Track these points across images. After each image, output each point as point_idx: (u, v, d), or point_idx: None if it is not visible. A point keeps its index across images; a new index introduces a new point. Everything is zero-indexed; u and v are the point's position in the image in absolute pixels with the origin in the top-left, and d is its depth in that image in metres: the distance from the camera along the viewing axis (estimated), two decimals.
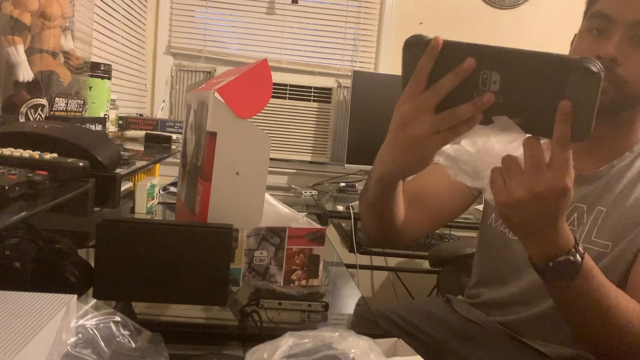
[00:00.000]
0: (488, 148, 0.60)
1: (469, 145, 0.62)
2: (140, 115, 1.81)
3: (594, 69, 0.52)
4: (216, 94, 0.72)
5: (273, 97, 2.25)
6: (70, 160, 0.61)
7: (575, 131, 0.55)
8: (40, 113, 0.89)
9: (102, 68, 1.24)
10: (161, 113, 2.23)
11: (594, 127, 0.56)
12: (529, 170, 0.59)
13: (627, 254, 0.82)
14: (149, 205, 1.29)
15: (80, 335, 0.51)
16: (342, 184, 2.24)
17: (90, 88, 1.21)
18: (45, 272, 0.65)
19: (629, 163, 0.87)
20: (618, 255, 0.83)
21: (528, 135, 0.58)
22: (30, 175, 0.53)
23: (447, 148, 0.64)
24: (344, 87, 2.40)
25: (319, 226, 0.92)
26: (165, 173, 1.93)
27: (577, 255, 0.66)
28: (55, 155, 0.62)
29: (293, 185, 2.29)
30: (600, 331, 0.74)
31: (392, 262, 2.33)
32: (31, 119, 0.87)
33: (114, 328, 0.55)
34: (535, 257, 0.68)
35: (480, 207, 1.16)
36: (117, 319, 0.55)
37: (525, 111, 0.56)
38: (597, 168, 0.89)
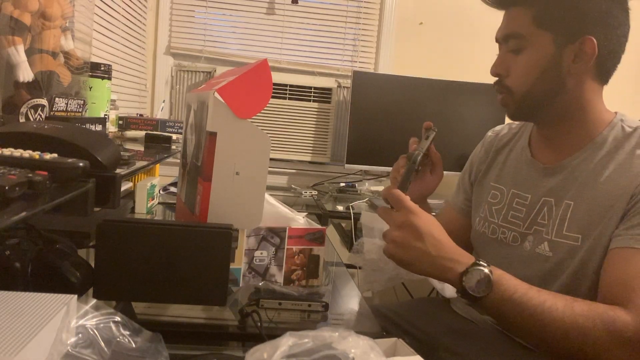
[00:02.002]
0: (378, 232, 0.84)
1: (371, 252, 0.88)
2: (140, 115, 1.81)
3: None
4: (216, 94, 0.72)
5: (273, 97, 2.25)
6: (70, 160, 0.61)
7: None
8: (40, 113, 0.89)
9: (102, 68, 1.24)
10: (161, 113, 2.23)
11: None
12: (389, 219, 0.81)
13: (598, 248, 0.84)
14: (149, 205, 1.29)
15: (80, 335, 0.51)
16: (342, 184, 2.24)
17: (91, 88, 1.21)
18: (45, 272, 0.65)
19: (590, 154, 0.89)
20: (590, 249, 0.84)
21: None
22: (30, 175, 0.53)
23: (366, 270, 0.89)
24: (344, 87, 2.40)
25: (319, 226, 0.92)
26: (165, 173, 1.93)
27: (482, 267, 0.76)
28: (55, 155, 0.62)
29: (293, 185, 2.29)
30: (538, 332, 0.76)
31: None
32: (31, 119, 0.87)
33: (114, 328, 0.55)
34: (452, 284, 0.78)
35: None
36: (117, 319, 0.55)
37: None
38: (559, 160, 0.93)
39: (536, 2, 0.87)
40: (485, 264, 0.77)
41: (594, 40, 0.85)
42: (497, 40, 0.95)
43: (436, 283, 0.83)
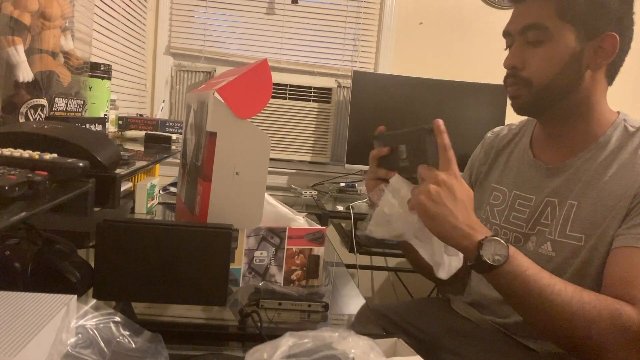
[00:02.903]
0: (403, 195, 0.84)
1: (387, 207, 0.86)
2: (140, 115, 1.81)
3: (426, 127, 0.80)
4: (216, 94, 0.72)
5: (273, 97, 2.25)
6: (70, 160, 0.61)
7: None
8: (40, 113, 0.89)
9: (102, 68, 1.24)
10: (161, 113, 2.23)
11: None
12: (430, 175, 0.79)
13: (600, 247, 0.84)
14: (149, 205, 1.29)
15: (80, 335, 0.51)
16: (342, 184, 2.24)
17: (90, 88, 1.21)
18: (45, 273, 0.65)
19: (593, 154, 0.90)
20: (592, 249, 0.85)
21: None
22: (30, 175, 0.53)
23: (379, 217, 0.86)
24: (344, 87, 2.40)
25: (319, 226, 0.92)
26: (165, 173, 1.93)
27: (500, 240, 0.77)
28: (55, 155, 0.62)
29: (293, 185, 2.29)
30: (545, 312, 0.76)
31: (392, 262, 2.33)
32: (31, 119, 0.87)
33: (114, 328, 0.55)
34: (467, 251, 0.78)
35: None
36: (117, 319, 0.55)
37: (418, 159, 0.82)
38: (563, 160, 0.93)
39: None
40: (503, 239, 0.78)
41: (617, 37, 0.85)
42: (508, 34, 0.93)
43: (434, 260, 0.82)
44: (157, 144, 1.37)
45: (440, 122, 0.78)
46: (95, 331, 0.52)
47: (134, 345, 0.55)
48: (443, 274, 0.82)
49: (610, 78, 0.91)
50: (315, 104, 2.35)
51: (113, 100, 1.43)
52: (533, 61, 0.88)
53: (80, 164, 0.61)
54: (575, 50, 0.86)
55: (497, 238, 0.77)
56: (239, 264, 0.84)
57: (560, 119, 0.93)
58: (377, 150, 0.90)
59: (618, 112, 0.92)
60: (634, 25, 0.89)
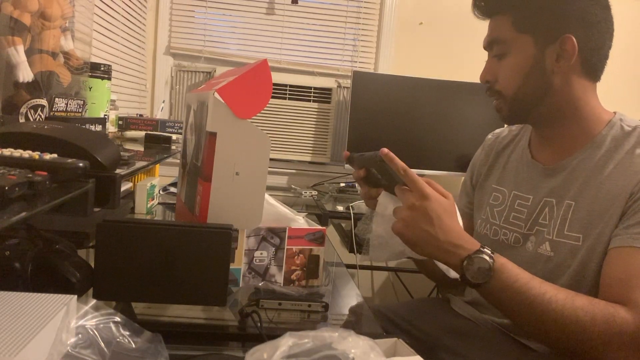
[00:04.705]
0: (389, 215, 0.84)
1: (380, 228, 0.88)
2: (140, 115, 1.81)
3: (375, 155, 0.81)
4: (216, 94, 0.72)
5: (273, 97, 2.25)
6: (70, 160, 0.61)
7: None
8: (40, 113, 0.89)
9: (102, 68, 1.24)
10: (161, 113, 2.23)
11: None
12: (403, 198, 0.81)
13: (598, 247, 0.84)
14: (149, 205, 1.29)
15: (80, 335, 0.51)
16: (342, 184, 2.24)
17: (90, 88, 1.21)
18: (45, 273, 0.65)
19: (589, 154, 0.90)
20: (590, 249, 0.84)
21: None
22: (30, 175, 0.53)
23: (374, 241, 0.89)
24: (344, 87, 2.40)
25: (318, 226, 0.92)
26: (165, 173, 1.93)
27: (485, 255, 0.77)
28: (55, 155, 0.62)
29: (293, 186, 2.29)
30: (537, 322, 0.76)
31: (392, 262, 2.33)
32: (31, 119, 0.87)
33: (114, 328, 0.55)
34: (454, 268, 0.79)
35: None
36: (117, 319, 0.55)
37: (390, 180, 0.83)
38: (559, 160, 0.93)
39: (514, 7, 0.90)
40: (489, 252, 0.78)
41: (573, 38, 0.86)
42: (484, 48, 0.97)
43: (442, 264, 0.83)
44: (157, 144, 1.37)
45: (386, 150, 0.80)
46: (95, 331, 0.52)
47: (134, 346, 0.55)
48: (453, 274, 0.83)
49: (591, 75, 0.90)
50: (315, 104, 2.35)
51: (113, 101, 1.43)
52: (501, 74, 0.93)
53: (80, 164, 0.61)
54: (536, 58, 0.89)
55: (480, 255, 0.77)
56: (239, 264, 0.84)
57: (547, 121, 0.93)
58: (356, 172, 0.92)
59: (614, 112, 0.92)
60: (609, 19, 0.89)
